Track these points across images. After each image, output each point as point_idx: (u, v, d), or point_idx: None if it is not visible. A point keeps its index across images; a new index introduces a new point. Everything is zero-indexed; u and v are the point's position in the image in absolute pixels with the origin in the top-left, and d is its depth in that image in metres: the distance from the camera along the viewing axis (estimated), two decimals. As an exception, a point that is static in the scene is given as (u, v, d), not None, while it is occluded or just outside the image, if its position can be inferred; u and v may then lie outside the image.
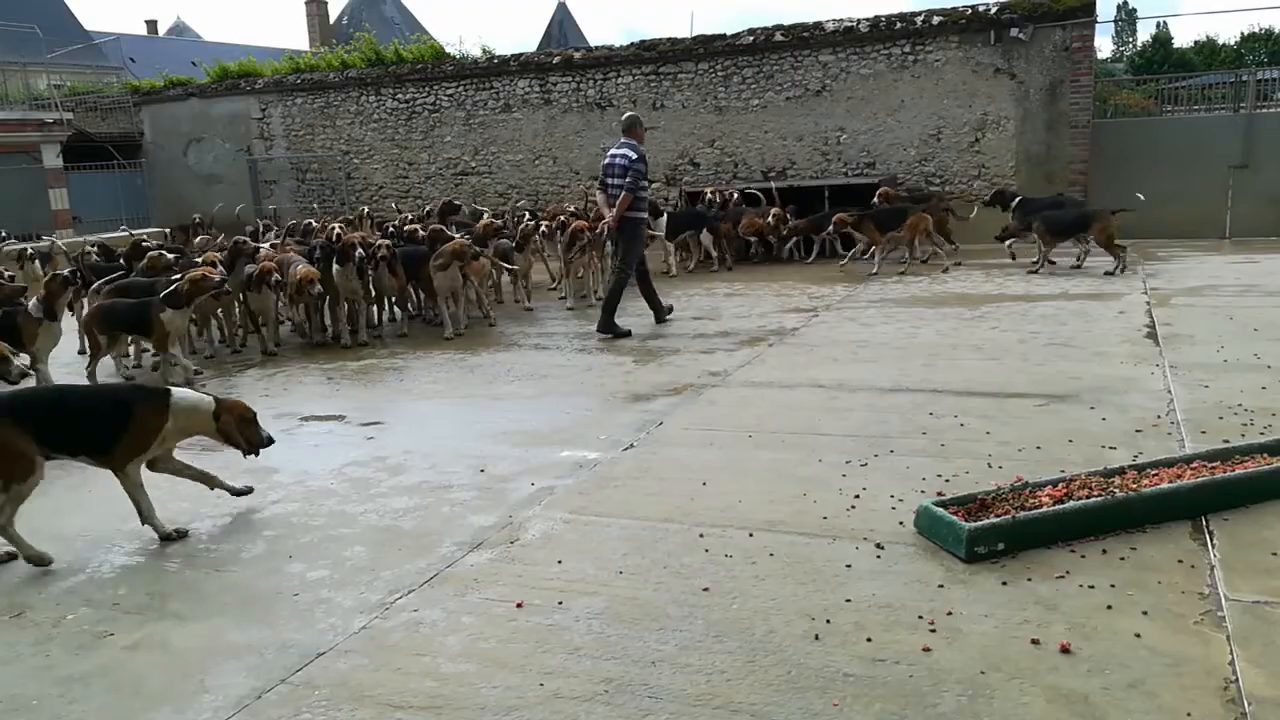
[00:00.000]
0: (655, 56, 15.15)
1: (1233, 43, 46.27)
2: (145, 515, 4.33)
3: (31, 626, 3.58)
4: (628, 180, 8.62)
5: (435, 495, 4.74)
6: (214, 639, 3.38)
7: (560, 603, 3.48)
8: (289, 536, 4.30)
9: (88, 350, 7.92)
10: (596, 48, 16.29)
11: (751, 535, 3.96)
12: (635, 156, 8.67)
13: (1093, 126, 13.34)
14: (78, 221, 18.12)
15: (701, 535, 3.99)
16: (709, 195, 13.35)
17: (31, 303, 7.13)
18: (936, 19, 13.46)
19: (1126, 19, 55.81)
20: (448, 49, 18.69)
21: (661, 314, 9.18)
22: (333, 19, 49.60)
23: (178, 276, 7.76)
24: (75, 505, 4.98)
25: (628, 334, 8.60)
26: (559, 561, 3.84)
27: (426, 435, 5.86)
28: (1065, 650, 2.95)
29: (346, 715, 2.86)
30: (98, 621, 3.58)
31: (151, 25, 54.62)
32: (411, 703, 2.90)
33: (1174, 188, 13.08)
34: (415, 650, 3.22)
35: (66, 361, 8.36)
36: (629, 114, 9.29)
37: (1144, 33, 54.81)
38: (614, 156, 8.87)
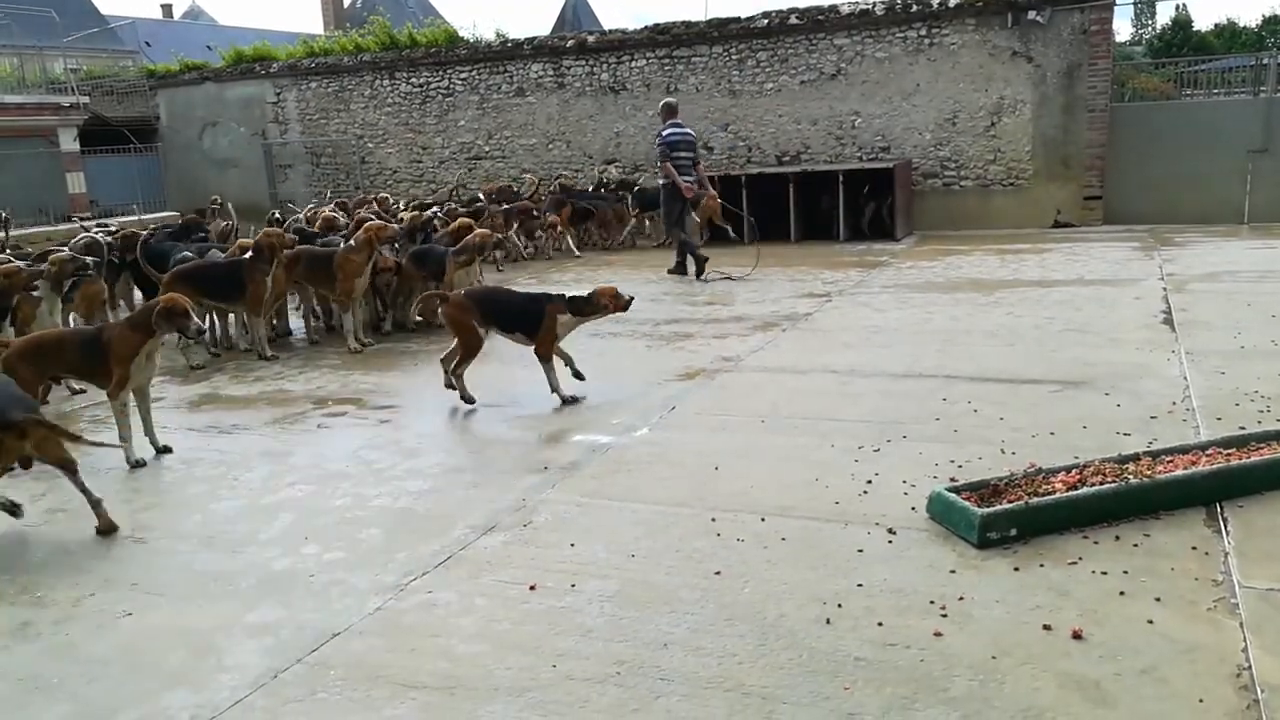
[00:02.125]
0: (669, 40, 15.08)
1: (1254, 25, 45.70)
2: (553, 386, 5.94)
3: (51, 606, 3.63)
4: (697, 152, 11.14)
5: (449, 478, 4.77)
6: (231, 619, 3.42)
7: (573, 585, 3.50)
8: (305, 518, 4.34)
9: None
10: (610, 31, 16.22)
11: (763, 520, 3.97)
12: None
13: (1110, 110, 13.21)
14: (95, 205, 18.20)
15: (713, 519, 4.00)
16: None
17: (38, 283, 6.91)
18: (953, 1, 13.33)
19: (1146, 2, 55.15)
20: (461, 32, 18.61)
21: (680, 268, 10.95)
22: (346, 2, 49.54)
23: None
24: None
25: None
26: (571, 544, 3.86)
27: (440, 419, 5.89)
28: (1077, 636, 2.95)
29: (362, 695, 2.89)
30: (116, 601, 3.63)
31: (166, 9, 54.77)
32: (426, 683, 2.93)
33: (1192, 172, 12.96)
34: (429, 631, 3.25)
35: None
36: (672, 99, 11.65)
37: (1163, 15, 54.25)
38: (687, 135, 10.98)
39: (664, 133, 10.83)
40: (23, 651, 3.30)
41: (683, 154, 10.82)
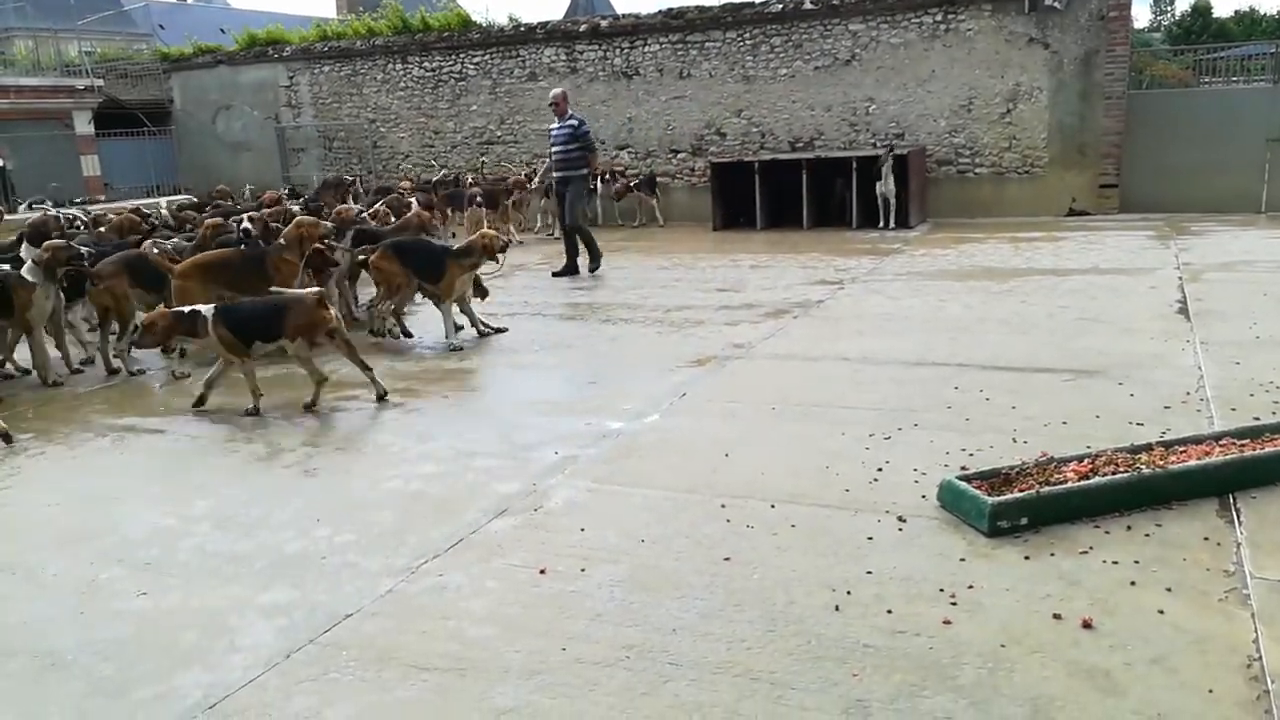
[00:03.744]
0: (683, 25, 15.00)
1: (1274, 13, 45.16)
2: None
3: (67, 585, 3.67)
4: None
5: (460, 462, 4.78)
6: (244, 600, 3.45)
7: (582, 570, 3.52)
8: (317, 501, 4.36)
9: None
10: (623, 16, 16.16)
11: (773, 507, 3.97)
12: None
13: (1128, 98, 13.09)
14: (109, 188, 18.28)
15: (723, 506, 4.01)
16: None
17: (26, 266, 6.62)
18: (969, -13, 13.21)
19: (1165, -13, 54.62)
20: (474, 16, 18.57)
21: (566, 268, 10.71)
22: (359, -14, 49.37)
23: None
24: (119, 468, 5.08)
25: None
26: (582, 529, 3.87)
27: (451, 403, 5.90)
28: (1087, 625, 2.95)
29: (373, 675, 2.92)
30: (131, 581, 3.66)
31: (180, -8, 54.65)
32: (436, 665, 2.95)
33: (1210, 160, 12.84)
34: (440, 614, 3.27)
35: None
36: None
37: (1182, 2, 53.60)
38: None
39: (585, 129, 10.51)
40: (39, 629, 3.33)
41: None
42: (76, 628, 3.33)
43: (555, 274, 10.56)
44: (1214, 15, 46.43)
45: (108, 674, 3.02)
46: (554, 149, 10.54)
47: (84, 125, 18.50)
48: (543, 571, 3.51)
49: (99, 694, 2.92)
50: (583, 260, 10.66)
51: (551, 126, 10.68)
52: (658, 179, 15.17)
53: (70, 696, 2.92)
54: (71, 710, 2.85)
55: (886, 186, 12.74)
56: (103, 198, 16.60)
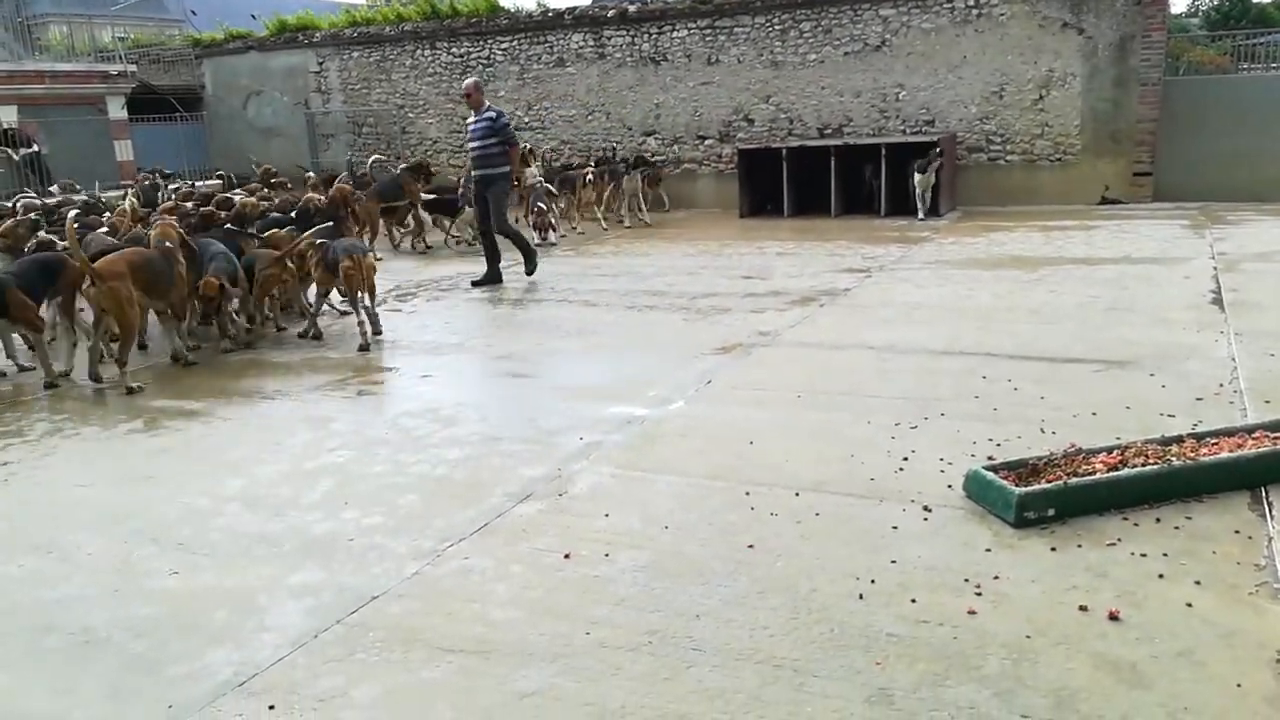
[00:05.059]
0: (711, 10, 14.91)
1: (1317, -3, 44.07)
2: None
3: (102, 564, 3.74)
4: None
5: (486, 447, 4.81)
6: (273, 581, 3.50)
7: (607, 555, 3.53)
8: (345, 484, 4.41)
9: None
10: (651, 1, 16.08)
11: (798, 495, 3.97)
12: None
13: (1164, 84, 12.88)
14: (141, 172, 18.46)
15: (748, 493, 4.01)
16: None
17: None
18: (1003, -29, 13.04)
19: (1204, -29, 53.46)
20: (502, 2, 18.54)
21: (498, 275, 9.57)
22: (388, -29, 49.37)
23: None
24: (159, 450, 5.16)
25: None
26: (606, 515, 3.89)
27: (477, 388, 5.94)
28: (1114, 617, 2.93)
29: (399, 656, 2.95)
30: (164, 561, 3.72)
31: (211, -22, 54.93)
32: (462, 647, 2.98)
33: (1248, 148, 12.62)
34: (466, 596, 3.30)
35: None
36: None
37: (1222, -14, 52.47)
38: None
39: (505, 121, 9.51)
40: (75, 607, 3.40)
41: None
42: (111, 605, 3.39)
43: (475, 283, 9.41)
44: (1254, 0, 45.44)
45: (141, 651, 3.08)
46: (471, 145, 9.51)
47: (117, 110, 18.67)
48: (567, 556, 3.54)
49: (133, 670, 2.98)
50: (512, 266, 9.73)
51: (468, 120, 9.72)
52: (654, 165, 14.56)
53: (105, 672, 2.98)
54: (106, 686, 2.91)
55: (925, 182, 12.56)
56: (132, 182, 16.75)
